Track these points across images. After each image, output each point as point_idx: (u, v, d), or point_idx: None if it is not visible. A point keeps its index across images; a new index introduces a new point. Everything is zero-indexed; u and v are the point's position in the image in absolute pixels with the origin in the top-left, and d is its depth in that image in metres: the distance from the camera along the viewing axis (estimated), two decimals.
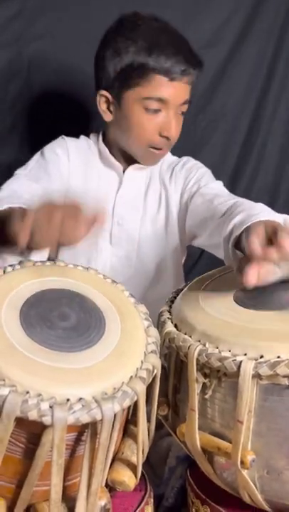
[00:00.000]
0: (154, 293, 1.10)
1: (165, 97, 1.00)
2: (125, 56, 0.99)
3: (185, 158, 1.19)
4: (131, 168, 1.12)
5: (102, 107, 1.06)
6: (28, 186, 0.99)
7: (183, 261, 1.23)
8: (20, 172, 1.06)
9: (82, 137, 1.17)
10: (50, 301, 0.57)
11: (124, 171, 1.12)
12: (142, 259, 1.12)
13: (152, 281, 1.13)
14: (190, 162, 1.18)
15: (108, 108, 1.05)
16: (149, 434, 0.63)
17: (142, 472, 0.65)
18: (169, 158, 1.19)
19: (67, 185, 1.10)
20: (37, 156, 1.10)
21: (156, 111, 1.01)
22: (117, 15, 1.09)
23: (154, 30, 1.01)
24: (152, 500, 0.70)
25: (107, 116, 1.06)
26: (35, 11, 1.37)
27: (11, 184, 0.99)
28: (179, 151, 1.22)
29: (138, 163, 1.12)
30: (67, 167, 1.11)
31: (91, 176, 1.13)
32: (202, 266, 1.43)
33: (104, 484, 0.58)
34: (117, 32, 1.02)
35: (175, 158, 1.20)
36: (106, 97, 1.04)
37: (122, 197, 1.12)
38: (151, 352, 0.58)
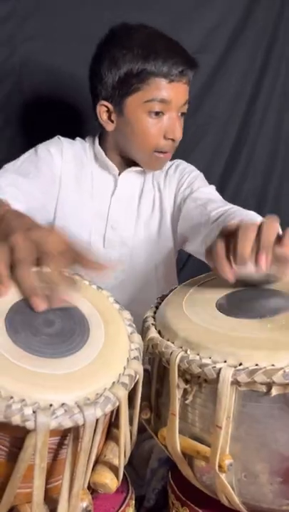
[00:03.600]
0: (147, 297, 1.11)
1: (166, 98, 1.02)
2: (123, 65, 1.01)
3: (178, 161, 1.20)
4: (126, 172, 1.13)
5: (104, 117, 1.07)
6: (13, 179, 0.99)
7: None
8: (8, 167, 1.06)
9: (78, 139, 1.17)
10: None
11: (119, 174, 1.13)
12: (135, 262, 1.13)
13: (145, 285, 1.14)
14: (183, 164, 1.19)
15: (109, 118, 1.06)
16: (131, 438, 0.65)
17: (124, 474, 0.66)
18: None
19: (59, 185, 1.11)
20: (30, 152, 1.11)
21: (159, 114, 1.03)
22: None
23: (147, 36, 1.03)
24: (134, 501, 0.71)
25: (109, 127, 1.07)
26: (27, 11, 1.38)
27: None
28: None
29: (134, 166, 1.12)
30: (59, 167, 1.11)
31: (85, 178, 1.13)
32: (189, 271, 1.45)
33: (86, 486, 0.60)
34: (110, 43, 1.04)
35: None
36: (107, 107, 1.05)
37: (117, 200, 1.13)
38: (134, 358, 0.60)
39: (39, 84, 1.40)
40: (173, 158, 1.23)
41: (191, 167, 1.20)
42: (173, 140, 1.06)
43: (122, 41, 1.03)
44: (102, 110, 1.07)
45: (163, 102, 1.02)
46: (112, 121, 1.07)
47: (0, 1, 1.35)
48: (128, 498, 0.69)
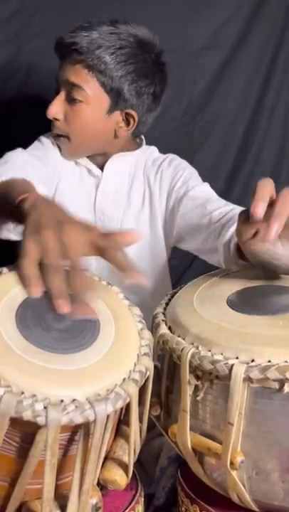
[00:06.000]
0: (139, 293, 1.10)
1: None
2: None
3: (171, 156, 1.19)
4: (110, 161, 1.12)
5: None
6: (27, 160, 1.00)
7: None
8: (20, 149, 1.07)
9: None
10: (46, 302, 0.58)
11: (104, 165, 1.12)
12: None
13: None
14: (176, 160, 1.17)
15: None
16: (141, 435, 0.64)
17: (133, 471, 0.66)
18: (154, 154, 1.20)
19: (59, 174, 1.12)
20: (35, 143, 1.13)
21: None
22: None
23: None
24: (143, 499, 0.70)
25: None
26: (34, 8, 1.38)
27: (12, 155, 1.00)
28: (175, 152, 1.23)
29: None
30: (60, 159, 1.12)
31: (74, 171, 1.14)
32: (196, 269, 1.44)
33: (95, 483, 0.59)
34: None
35: (160, 154, 1.20)
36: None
37: (103, 192, 1.12)
38: (145, 354, 0.59)
39: (46, 82, 1.40)
40: (180, 155, 1.22)
41: (185, 163, 1.19)
42: (55, 119, 1.07)
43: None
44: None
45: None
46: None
47: None
48: (137, 495, 0.69)
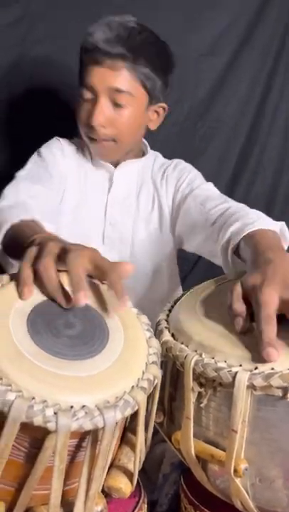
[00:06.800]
0: (149, 295, 1.11)
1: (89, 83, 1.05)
2: None
3: (176, 161, 1.21)
4: (119, 168, 1.13)
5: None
6: (31, 190, 1.00)
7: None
8: (20, 174, 1.06)
9: (76, 139, 1.18)
10: (57, 309, 0.58)
11: (114, 171, 1.13)
12: (136, 260, 1.13)
13: (147, 284, 1.14)
14: (181, 164, 1.19)
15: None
16: (146, 442, 0.65)
17: (137, 478, 0.66)
18: (160, 159, 1.21)
19: (64, 185, 1.12)
20: (34, 157, 1.11)
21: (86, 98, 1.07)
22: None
23: None
24: (146, 506, 0.71)
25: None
26: (39, 14, 1.38)
27: (13, 191, 0.99)
28: (178, 156, 1.25)
29: (127, 160, 1.14)
30: (63, 167, 1.12)
31: (84, 177, 1.14)
32: (199, 271, 1.45)
33: (100, 490, 0.60)
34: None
35: (166, 160, 1.22)
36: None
37: (114, 197, 1.13)
38: (153, 363, 0.60)
39: (50, 86, 1.41)
40: (182, 159, 1.23)
41: (190, 166, 1.20)
42: (101, 126, 1.06)
43: None
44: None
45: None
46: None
47: (12, 3, 1.36)
48: (140, 502, 0.69)
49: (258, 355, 0.60)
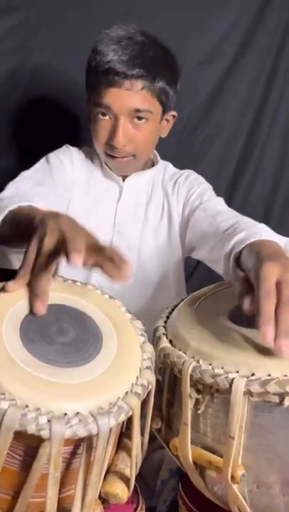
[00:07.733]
0: (156, 304, 1.10)
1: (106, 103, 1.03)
2: None
3: (188, 171, 1.21)
4: (130, 177, 1.13)
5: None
6: (30, 188, 1.00)
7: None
8: (25, 174, 1.07)
9: (85, 147, 1.18)
10: (50, 316, 0.59)
11: (124, 180, 1.14)
12: (143, 268, 1.13)
13: (153, 292, 1.14)
14: (193, 175, 1.20)
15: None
16: (142, 448, 0.65)
17: (134, 484, 0.65)
18: (171, 168, 1.22)
19: (70, 192, 1.12)
20: (42, 162, 1.12)
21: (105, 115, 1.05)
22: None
23: None
24: None
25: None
26: (39, 20, 1.39)
27: (16, 183, 1.00)
28: (177, 162, 1.25)
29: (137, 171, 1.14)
30: (71, 176, 1.13)
31: (93, 185, 1.14)
32: (198, 277, 1.45)
33: (97, 496, 0.60)
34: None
35: (177, 169, 1.22)
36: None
37: (123, 206, 1.14)
38: (147, 368, 0.60)
39: (50, 93, 1.42)
40: (182, 165, 1.24)
41: (201, 178, 1.21)
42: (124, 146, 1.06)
43: None
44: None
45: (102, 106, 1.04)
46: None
47: (12, 10, 1.37)
48: (138, 508, 0.69)
49: (255, 361, 0.60)
